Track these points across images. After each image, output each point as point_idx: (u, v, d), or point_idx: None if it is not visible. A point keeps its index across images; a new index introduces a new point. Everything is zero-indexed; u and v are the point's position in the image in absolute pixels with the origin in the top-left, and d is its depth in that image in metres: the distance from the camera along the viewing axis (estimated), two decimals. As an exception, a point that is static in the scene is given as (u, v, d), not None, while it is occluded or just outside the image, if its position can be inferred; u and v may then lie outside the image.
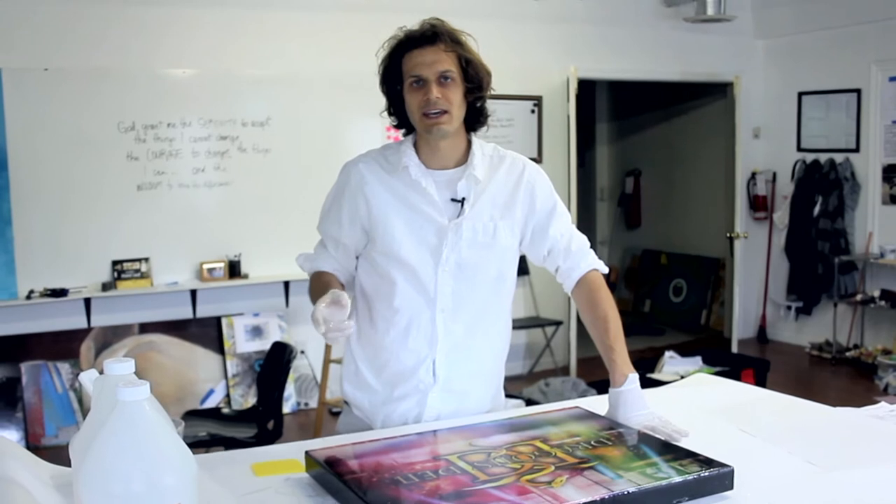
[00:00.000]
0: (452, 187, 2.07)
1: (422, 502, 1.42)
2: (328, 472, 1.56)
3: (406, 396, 2.09)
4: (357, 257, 2.17)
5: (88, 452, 1.16)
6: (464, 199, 2.06)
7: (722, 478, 1.54)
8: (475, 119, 2.10)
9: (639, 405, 1.92)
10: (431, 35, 2.00)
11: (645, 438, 1.74)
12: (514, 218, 2.11)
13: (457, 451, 1.66)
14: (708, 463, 1.57)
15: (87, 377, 1.47)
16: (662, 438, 1.76)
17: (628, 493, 1.45)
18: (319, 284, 2.09)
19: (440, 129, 2.01)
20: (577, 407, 1.99)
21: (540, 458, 1.61)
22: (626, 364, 2.00)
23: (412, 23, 2.07)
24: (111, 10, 5.57)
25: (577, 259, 2.16)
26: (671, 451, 1.65)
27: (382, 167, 2.10)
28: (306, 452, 1.65)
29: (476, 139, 2.14)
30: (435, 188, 2.06)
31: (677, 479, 1.50)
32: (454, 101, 2.00)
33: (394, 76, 2.05)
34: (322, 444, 1.74)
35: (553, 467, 1.56)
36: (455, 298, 2.06)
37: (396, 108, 2.10)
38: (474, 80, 2.04)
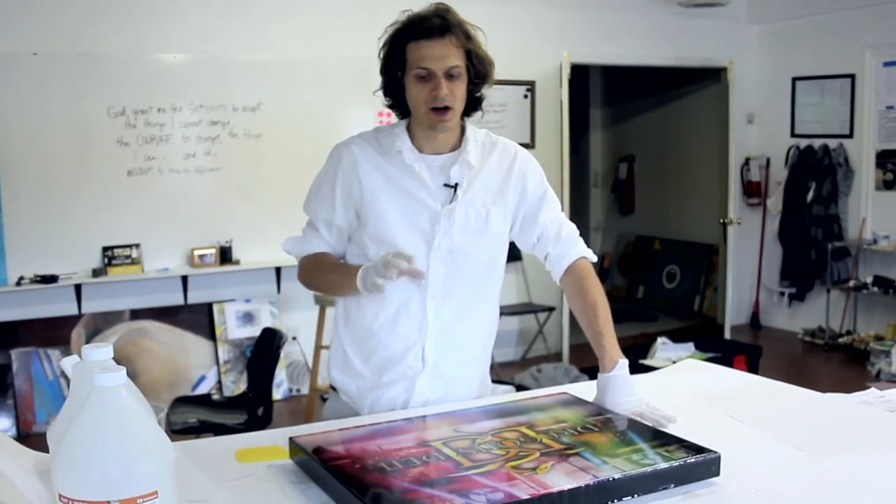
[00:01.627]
0: (445, 172, 2.06)
1: (405, 489, 1.40)
2: (311, 458, 1.54)
3: (394, 382, 2.07)
4: (349, 239, 2.14)
5: (65, 439, 1.15)
6: (457, 184, 2.05)
7: (708, 464, 1.54)
8: (472, 106, 2.09)
9: (627, 391, 1.91)
10: (441, 27, 1.95)
11: (631, 425, 1.73)
12: (506, 204, 2.10)
13: (442, 437, 1.65)
14: (694, 449, 1.56)
15: (69, 362, 1.46)
16: (650, 424, 1.75)
17: (613, 479, 1.44)
18: (325, 264, 2.10)
19: (445, 125, 2.00)
20: (564, 393, 1.98)
21: (525, 445, 1.60)
22: (616, 350, 1.99)
23: (407, 7, 2.03)
24: (101, -6, 5.54)
25: (567, 246, 2.15)
26: (657, 438, 1.64)
27: (375, 149, 2.08)
28: (290, 439, 1.64)
29: (469, 124, 2.12)
30: (428, 173, 2.04)
31: (663, 465, 1.50)
32: (459, 96, 2.00)
33: (396, 61, 2.01)
34: (307, 431, 1.73)
35: (538, 453, 1.55)
36: (446, 284, 2.05)
37: (393, 92, 2.07)
38: (480, 75, 2.03)
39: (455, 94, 1.98)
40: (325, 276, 2.12)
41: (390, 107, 2.11)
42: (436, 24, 1.95)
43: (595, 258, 2.20)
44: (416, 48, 1.97)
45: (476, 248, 2.07)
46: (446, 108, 1.97)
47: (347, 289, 2.02)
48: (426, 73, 1.96)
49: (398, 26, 2.01)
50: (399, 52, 2.00)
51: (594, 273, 2.16)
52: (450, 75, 1.96)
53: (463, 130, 2.10)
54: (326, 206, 2.10)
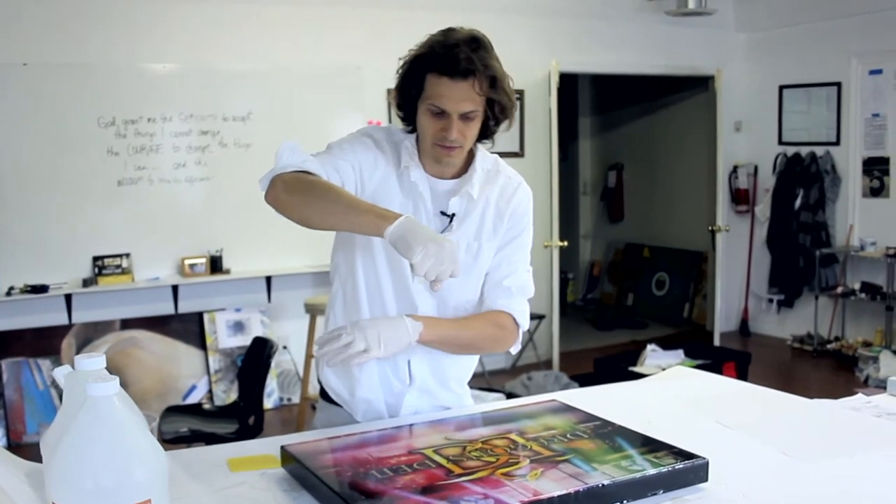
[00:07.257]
0: (445, 200, 2.00)
1: (395, 496, 1.42)
2: (303, 466, 1.55)
3: (381, 393, 2.05)
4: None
5: (58, 448, 1.16)
6: (454, 214, 2.00)
7: (696, 470, 1.55)
8: (483, 136, 2.01)
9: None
10: (466, 70, 1.83)
11: (621, 431, 1.74)
12: (498, 239, 2.05)
13: (432, 444, 1.66)
14: (683, 455, 1.58)
15: (61, 372, 1.47)
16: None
17: (602, 485, 1.45)
18: (326, 184, 1.86)
19: (450, 161, 1.96)
20: (553, 400, 1.99)
21: (515, 452, 1.61)
22: (427, 321, 1.92)
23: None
24: (91, 5, 5.53)
25: (498, 295, 2.04)
26: (646, 444, 1.65)
27: (394, 157, 2.01)
28: (282, 447, 1.65)
29: (480, 149, 2.05)
30: (430, 195, 1.99)
31: (652, 471, 1.51)
32: (470, 136, 1.93)
33: (412, 84, 1.92)
34: (298, 439, 1.74)
35: (528, 460, 1.56)
36: (426, 310, 2.00)
37: (405, 105, 1.98)
38: (497, 119, 1.96)
39: (466, 134, 1.90)
40: (329, 192, 1.83)
41: (402, 119, 2.02)
42: (461, 64, 1.83)
43: (526, 326, 2.08)
44: (435, 82, 1.87)
45: (461, 282, 1.97)
46: (453, 147, 1.92)
47: (359, 224, 1.77)
48: (440, 111, 1.88)
49: (423, 50, 1.90)
50: (417, 78, 1.90)
51: (509, 330, 2.05)
52: (465, 117, 1.89)
53: (472, 157, 2.03)
54: (362, 151, 1.98)
